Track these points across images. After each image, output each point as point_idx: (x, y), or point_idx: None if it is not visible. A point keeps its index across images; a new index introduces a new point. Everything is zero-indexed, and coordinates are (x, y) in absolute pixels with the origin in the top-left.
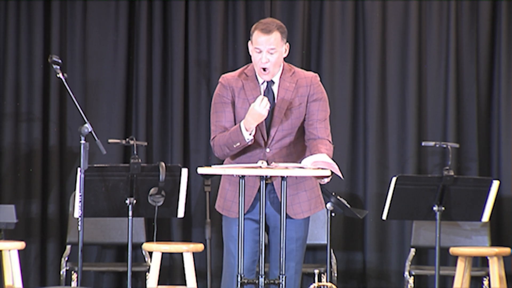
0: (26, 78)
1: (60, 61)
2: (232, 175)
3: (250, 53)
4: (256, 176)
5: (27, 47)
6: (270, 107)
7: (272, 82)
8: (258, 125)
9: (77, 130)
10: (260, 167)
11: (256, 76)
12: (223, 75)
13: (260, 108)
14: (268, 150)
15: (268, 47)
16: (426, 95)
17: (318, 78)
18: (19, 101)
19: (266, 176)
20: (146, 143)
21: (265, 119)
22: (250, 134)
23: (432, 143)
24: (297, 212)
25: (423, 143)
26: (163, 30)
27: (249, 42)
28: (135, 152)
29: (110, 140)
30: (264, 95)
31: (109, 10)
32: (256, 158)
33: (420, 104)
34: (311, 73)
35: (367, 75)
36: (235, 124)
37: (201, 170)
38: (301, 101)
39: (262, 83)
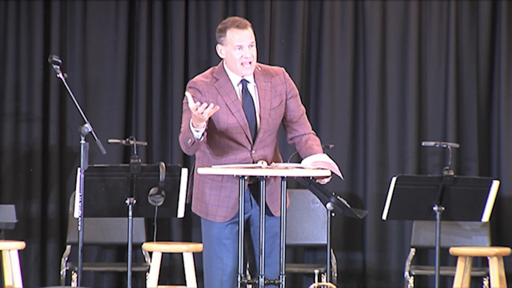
0: (26, 78)
1: (60, 61)
2: (212, 179)
3: (223, 54)
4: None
5: (27, 47)
6: (252, 109)
7: (247, 82)
8: (243, 128)
9: (77, 130)
10: (260, 167)
11: (228, 78)
12: (193, 80)
13: (197, 112)
14: (253, 151)
15: (249, 42)
16: (426, 95)
17: (287, 72)
18: (19, 101)
19: (252, 177)
20: (146, 143)
21: (250, 121)
22: (197, 132)
23: (432, 143)
24: (277, 210)
25: (423, 143)
26: (163, 30)
27: (218, 45)
28: (135, 152)
29: (110, 140)
30: (242, 95)
31: (109, 10)
32: (243, 160)
33: (420, 104)
34: (279, 68)
35: (367, 75)
36: (208, 125)
37: (201, 170)
38: (281, 99)
39: (238, 85)
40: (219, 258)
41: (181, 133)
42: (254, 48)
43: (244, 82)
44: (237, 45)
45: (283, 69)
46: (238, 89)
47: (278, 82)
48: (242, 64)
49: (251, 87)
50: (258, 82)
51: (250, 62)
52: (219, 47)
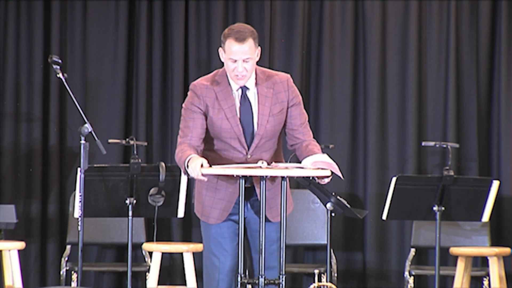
0: (26, 78)
1: (60, 61)
2: (209, 180)
3: (222, 59)
4: (237, 181)
5: (27, 47)
6: (250, 115)
7: (247, 88)
8: (236, 134)
9: (77, 130)
10: (260, 167)
11: (229, 82)
12: (194, 83)
13: (195, 172)
14: (249, 156)
15: (243, 57)
16: (426, 95)
17: (292, 80)
18: (19, 101)
19: (247, 180)
20: (146, 143)
21: (246, 127)
22: (187, 174)
23: (432, 143)
24: (275, 215)
25: (423, 143)
26: (163, 30)
27: (220, 49)
28: (135, 152)
29: (110, 140)
30: (240, 102)
31: (109, 10)
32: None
33: (420, 104)
34: (284, 75)
35: (367, 75)
36: (202, 132)
37: (201, 170)
38: (282, 106)
39: (237, 90)
40: (215, 256)
41: (179, 151)
42: (251, 63)
43: (243, 88)
44: (232, 58)
45: (288, 76)
46: (237, 94)
47: (280, 89)
48: (235, 75)
49: (250, 93)
50: (259, 88)
51: (243, 75)
52: (220, 51)
